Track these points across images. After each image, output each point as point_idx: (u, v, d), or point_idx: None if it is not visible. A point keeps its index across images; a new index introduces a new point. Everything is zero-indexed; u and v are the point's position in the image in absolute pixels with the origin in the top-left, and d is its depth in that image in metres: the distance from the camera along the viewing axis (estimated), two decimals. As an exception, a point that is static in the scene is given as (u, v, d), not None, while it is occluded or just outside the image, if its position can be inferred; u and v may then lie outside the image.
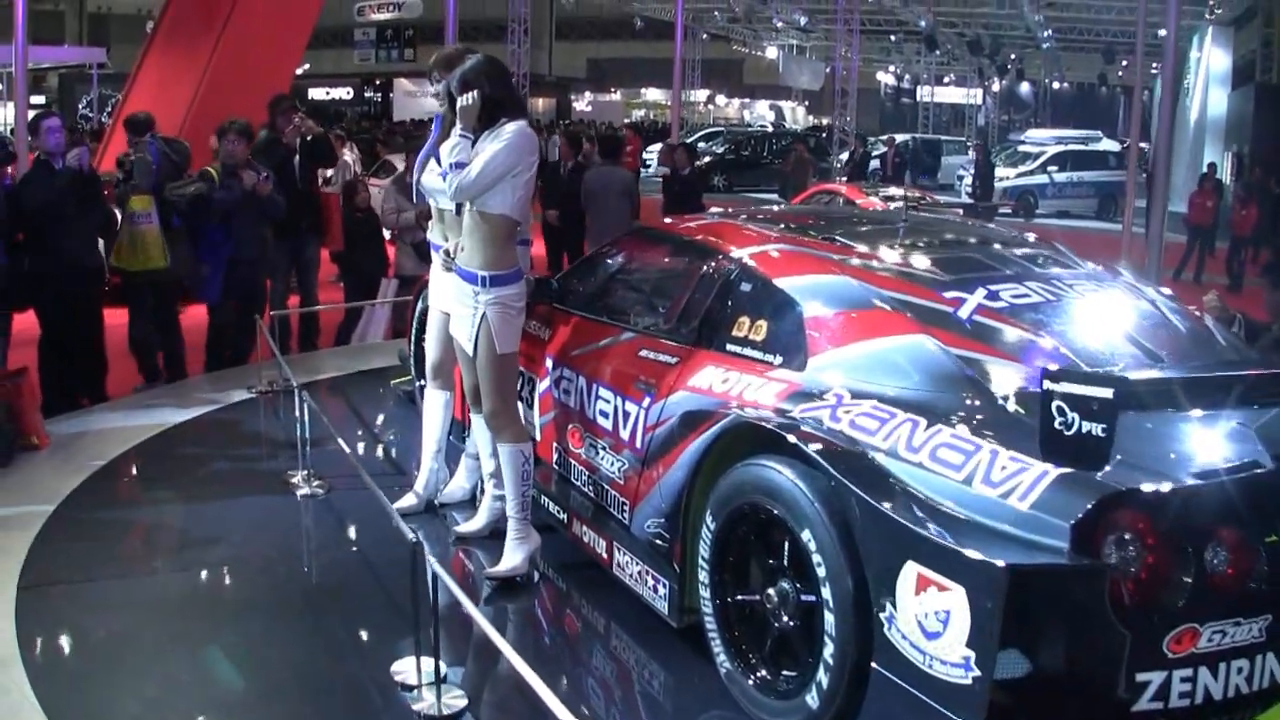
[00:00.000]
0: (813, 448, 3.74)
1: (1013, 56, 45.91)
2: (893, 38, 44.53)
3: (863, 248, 4.86)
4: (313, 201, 10.00)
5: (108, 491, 6.38)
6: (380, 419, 7.77)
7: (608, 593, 4.88)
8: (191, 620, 4.82)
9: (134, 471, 6.78)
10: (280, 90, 18.17)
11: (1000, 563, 3.19)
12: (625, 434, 4.87)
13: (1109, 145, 33.56)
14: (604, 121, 43.92)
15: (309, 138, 9.95)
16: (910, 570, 3.39)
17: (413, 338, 7.36)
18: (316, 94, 52.63)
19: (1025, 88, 56.65)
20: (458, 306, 5.19)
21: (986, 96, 55.01)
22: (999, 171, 29.75)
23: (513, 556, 5.18)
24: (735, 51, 50.18)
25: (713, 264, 4.96)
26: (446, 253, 5.30)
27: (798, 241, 4.93)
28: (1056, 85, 54.96)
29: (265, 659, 4.50)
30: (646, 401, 4.74)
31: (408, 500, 5.88)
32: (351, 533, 5.76)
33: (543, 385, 5.63)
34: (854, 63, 32.78)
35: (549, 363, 5.58)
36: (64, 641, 4.65)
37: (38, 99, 36.39)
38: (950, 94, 55.63)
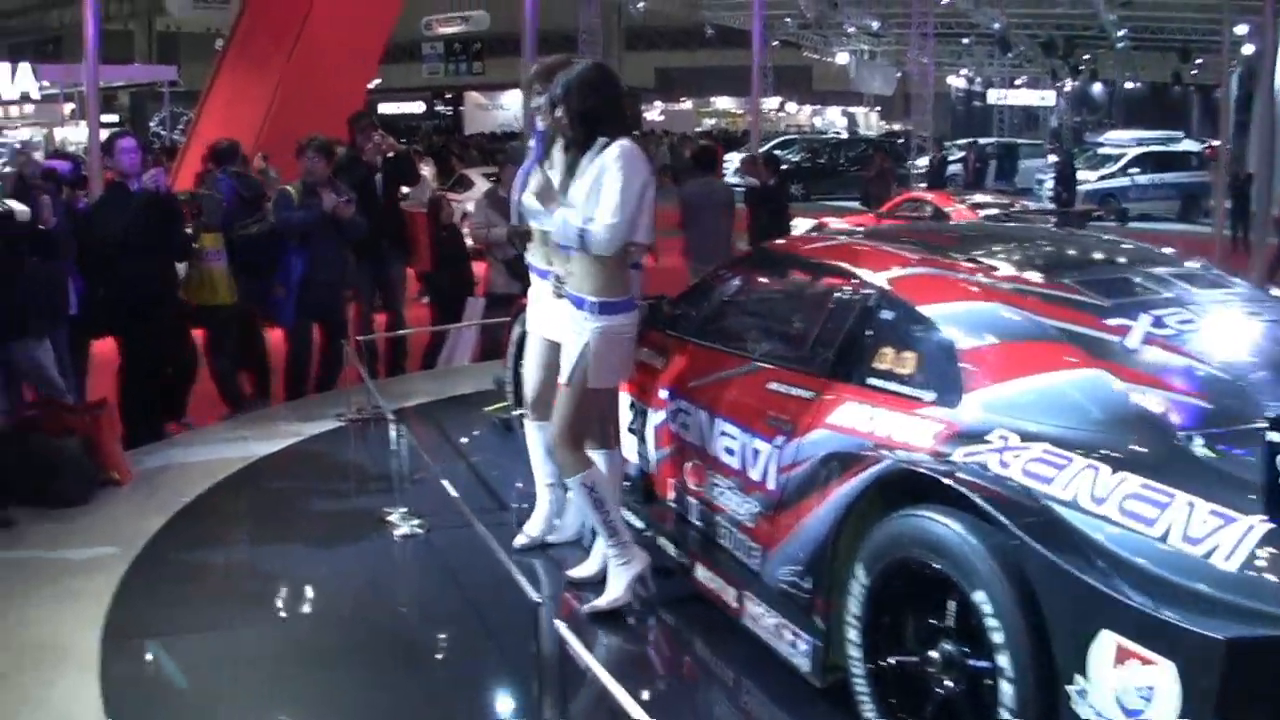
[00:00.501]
0: (984, 499, 3.35)
1: (1086, 57, 44.96)
2: (965, 40, 43.77)
3: (1008, 269, 4.45)
4: (396, 220, 9.74)
5: (193, 532, 6.08)
6: (477, 449, 7.41)
7: (734, 641, 4.49)
8: (287, 677, 4.50)
9: (220, 509, 6.50)
10: (354, 106, 18.11)
11: (1218, 635, 2.80)
12: (755, 474, 4.49)
13: (1189, 145, 32.73)
14: (675, 131, 43.57)
15: (390, 155, 9.69)
16: (1107, 640, 3.01)
17: (511, 364, 7.02)
18: (387, 109, 52.73)
19: (1098, 88, 55.60)
20: (565, 333, 4.87)
21: (1059, 98, 54.09)
22: (1080, 175, 29.05)
23: (614, 586, 4.87)
24: (805, 58, 49.61)
25: (848, 289, 4.58)
26: (557, 278, 4.96)
27: (939, 263, 4.52)
28: (1129, 85, 53.86)
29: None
30: (780, 440, 4.36)
31: (520, 540, 5.54)
32: (458, 578, 5.38)
33: (658, 418, 5.28)
34: (929, 67, 32.19)
35: (664, 394, 5.23)
36: (151, 699, 4.34)
37: (110, 118, 36.63)
38: (1023, 96, 54.67)
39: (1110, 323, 3.98)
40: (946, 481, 3.47)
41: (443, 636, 4.91)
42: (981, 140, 35.24)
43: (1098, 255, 5.05)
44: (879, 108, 60.64)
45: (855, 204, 26.38)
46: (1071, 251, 5.07)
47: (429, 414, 8.23)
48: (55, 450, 6.41)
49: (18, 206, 6.46)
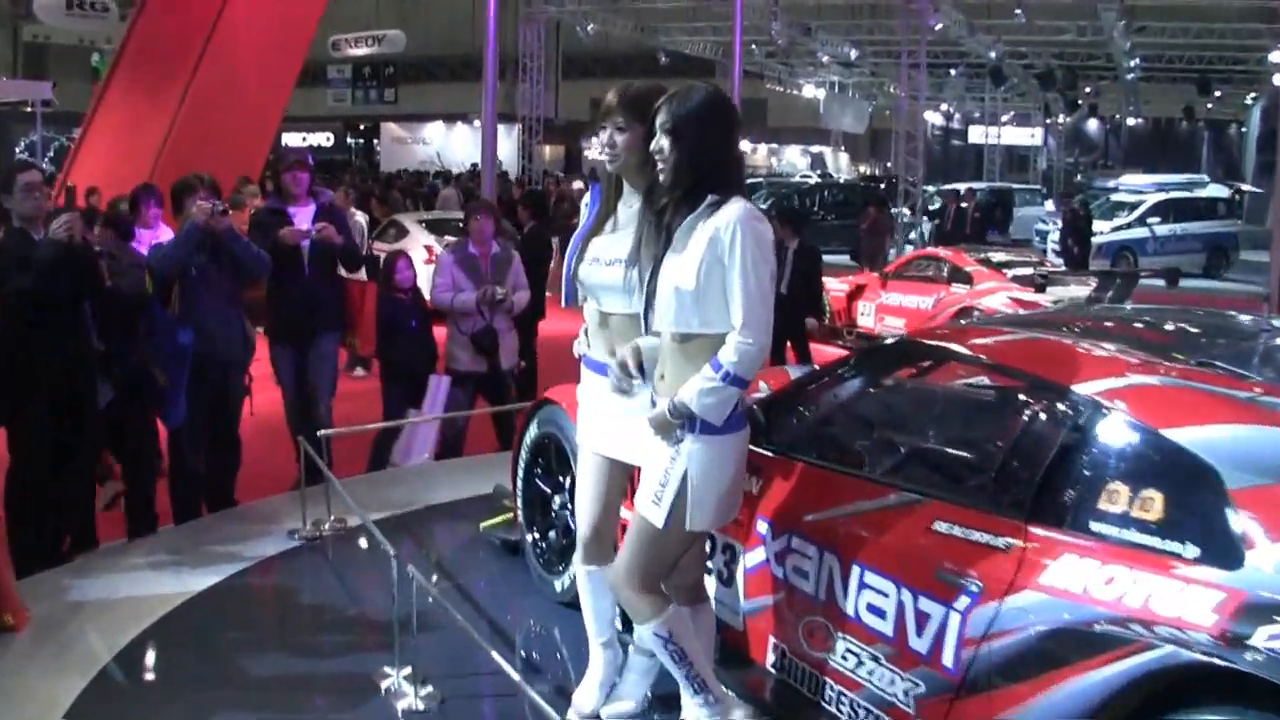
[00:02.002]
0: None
1: (1087, 90, 45.15)
2: (953, 72, 43.82)
3: (1259, 375, 3.83)
4: (330, 290, 8.92)
5: (122, 704, 5.25)
6: (478, 580, 6.65)
7: None
8: None
9: (153, 674, 5.70)
10: (266, 136, 17.48)
11: None
12: (921, 644, 3.84)
13: (1215, 190, 32.68)
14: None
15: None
16: None
17: (522, 473, 6.36)
18: (290, 139, 51.96)
19: (1093, 125, 56.07)
20: (647, 455, 4.24)
21: (1049, 136, 54.45)
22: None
23: None
24: (760, 90, 49.53)
25: (1044, 402, 3.96)
26: (621, 369, 4.34)
27: (1167, 369, 3.88)
28: (1131, 121, 54.33)
29: None
30: (964, 602, 3.70)
31: (572, 717, 4.82)
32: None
33: (753, 557, 4.63)
34: (921, 101, 31.90)
35: (764, 527, 4.58)
36: None
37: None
38: (1012, 135, 55.00)
39: None
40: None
41: None
42: (974, 185, 34.99)
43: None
44: (844, 148, 60.82)
45: (844, 259, 26.02)
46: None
47: (405, 530, 7.43)
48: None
49: None
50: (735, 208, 4.01)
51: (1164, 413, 3.64)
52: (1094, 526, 3.57)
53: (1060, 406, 3.86)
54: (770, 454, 4.71)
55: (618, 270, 4.44)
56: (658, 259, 4.16)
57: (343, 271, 9.27)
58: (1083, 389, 3.84)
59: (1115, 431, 3.68)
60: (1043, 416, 3.93)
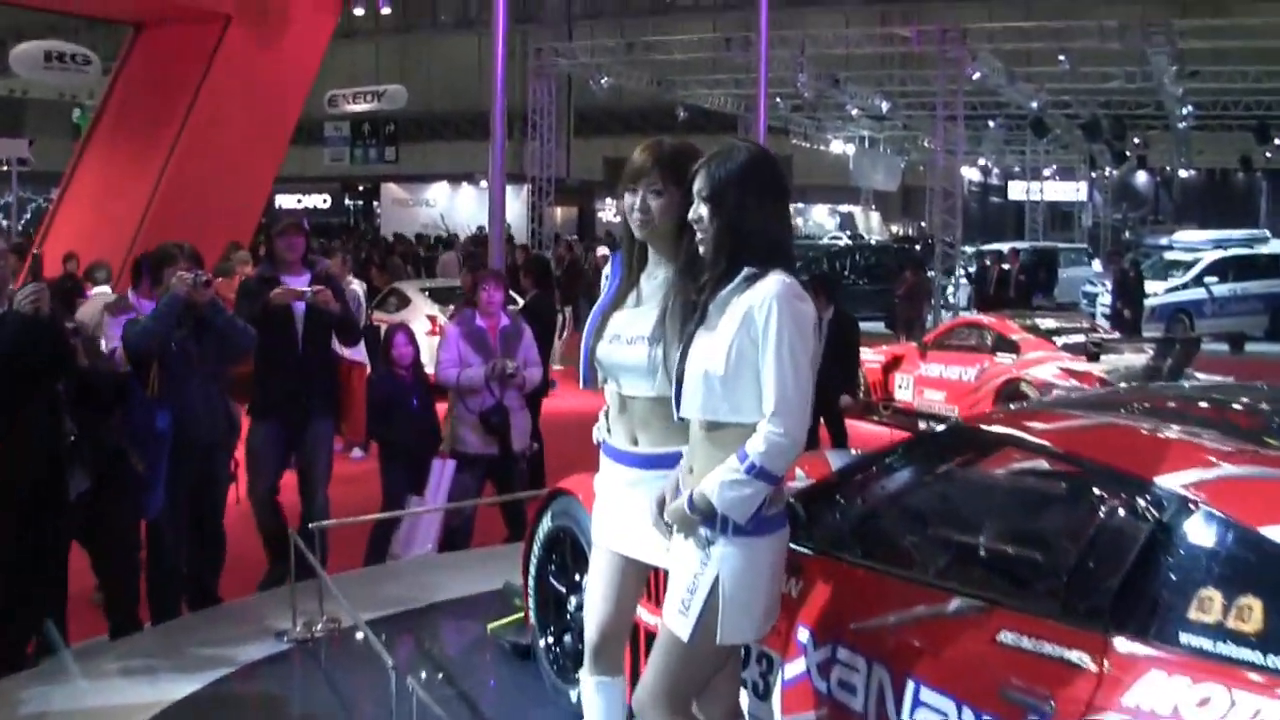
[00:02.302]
0: None
1: (1136, 140, 45.10)
2: (991, 124, 43.83)
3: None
4: (324, 369, 8.78)
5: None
6: (484, 689, 6.47)
7: None
8: None
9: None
10: (259, 198, 17.47)
11: None
12: (986, 773, 3.60)
13: (1277, 247, 32.49)
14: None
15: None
16: None
17: (534, 570, 6.22)
18: (285, 201, 52.19)
19: (1142, 178, 56.02)
20: (672, 556, 4.09)
21: (1094, 190, 54.41)
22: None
23: None
24: (786, 147, 49.68)
25: (1120, 496, 3.77)
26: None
27: (1262, 459, 3.70)
28: (1183, 173, 54.28)
29: None
30: (1034, 724, 3.47)
31: None
32: None
33: (793, 669, 4.44)
34: (958, 156, 31.81)
35: (804, 635, 4.39)
36: None
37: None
38: (1058, 190, 55.00)
39: None
40: None
41: None
42: (1017, 244, 34.88)
43: None
44: (874, 206, 60.88)
45: (878, 327, 25.86)
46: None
47: (405, 631, 7.30)
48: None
49: None
50: (772, 282, 3.86)
51: (1262, 508, 3.47)
52: (1184, 639, 3.38)
53: (1142, 502, 3.68)
54: (810, 553, 4.54)
55: (640, 349, 4.27)
56: (689, 337, 4.00)
57: (340, 349, 9.13)
58: (1166, 481, 3.65)
59: (1206, 530, 3.49)
60: (1122, 513, 3.75)
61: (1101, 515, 3.80)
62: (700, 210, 3.95)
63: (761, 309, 3.82)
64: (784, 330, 3.80)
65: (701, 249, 4.00)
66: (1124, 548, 3.64)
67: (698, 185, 3.96)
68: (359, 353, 12.32)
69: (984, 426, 4.66)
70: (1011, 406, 6.26)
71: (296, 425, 8.57)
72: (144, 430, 7.42)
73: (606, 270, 4.64)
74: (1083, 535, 3.81)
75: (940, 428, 5.72)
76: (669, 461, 4.18)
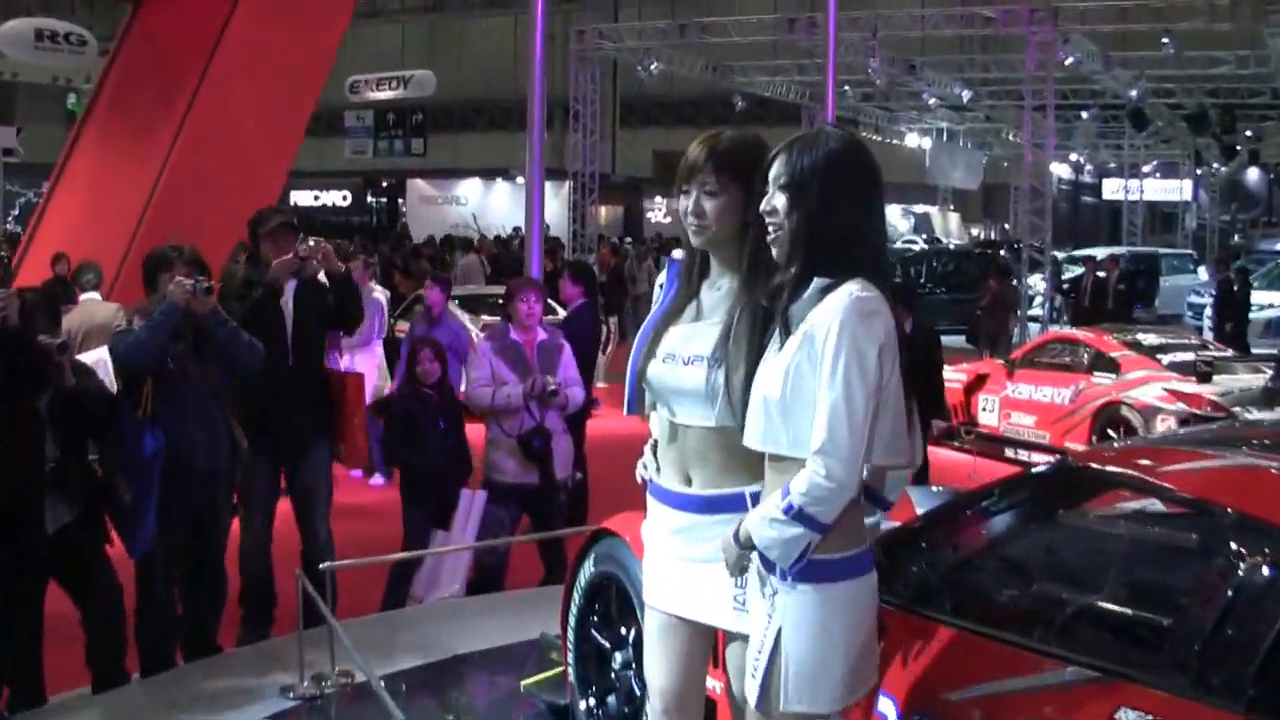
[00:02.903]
0: None
1: (1247, 133, 44.82)
2: (1085, 115, 43.64)
3: None
4: (315, 381, 8.68)
5: None
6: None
7: None
8: None
9: None
10: (270, 193, 17.45)
11: None
12: None
13: None
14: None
15: (320, 278, 8.62)
16: None
17: (574, 620, 6.12)
18: (301, 198, 52.62)
19: (1254, 175, 55.65)
20: (738, 614, 4.03)
21: (1200, 189, 54.18)
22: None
23: None
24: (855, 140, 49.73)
25: (1264, 551, 3.70)
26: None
27: None
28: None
29: None
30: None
31: None
32: None
33: (872, 742, 4.34)
34: (1048, 151, 31.64)
35: (887, 705, 4.34)
36: None
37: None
38: (1159, 189, 54.82)
39: None
40: None
41: None
42: (1114, 250, 34.77)
43: None
44: (953, 206, 60.89)
45: (958, 341, 25.78)
46: None
47: (427, 687, 7.28)
48: None
49: None
50: (841, 295, 3.75)
51: None
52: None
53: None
54: (892, 607, 4.46)
55: (699, 371, 4.13)
56: (758, 356, 3.91)
57: (336, 360, 9.00)
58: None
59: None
60: (1265, 571, 3.66)
61: (1241, 573, 3.72)
62: (776, 201, 3.84)
63: (823, 326, 3.72)
64: (841, 354, 3.68)
65: (774, 250, 3.86)
66: (1269, 612, 3.56)
67: (775, 171, 3.86)
68: (358, 361, 12.23)
69: (1095, 465, 4.55)
70: (1127, 441, 6.11)
71: (289, 449, 8.48)
72: (134, 456, 7.35)
73: (661, 278, 4.51)
74: (1218, 596, 3.73)
75: (1042, 466, 5.61)
76: (729, 505, 4.05)
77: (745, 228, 4.02)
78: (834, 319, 3.71)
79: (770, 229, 3.87)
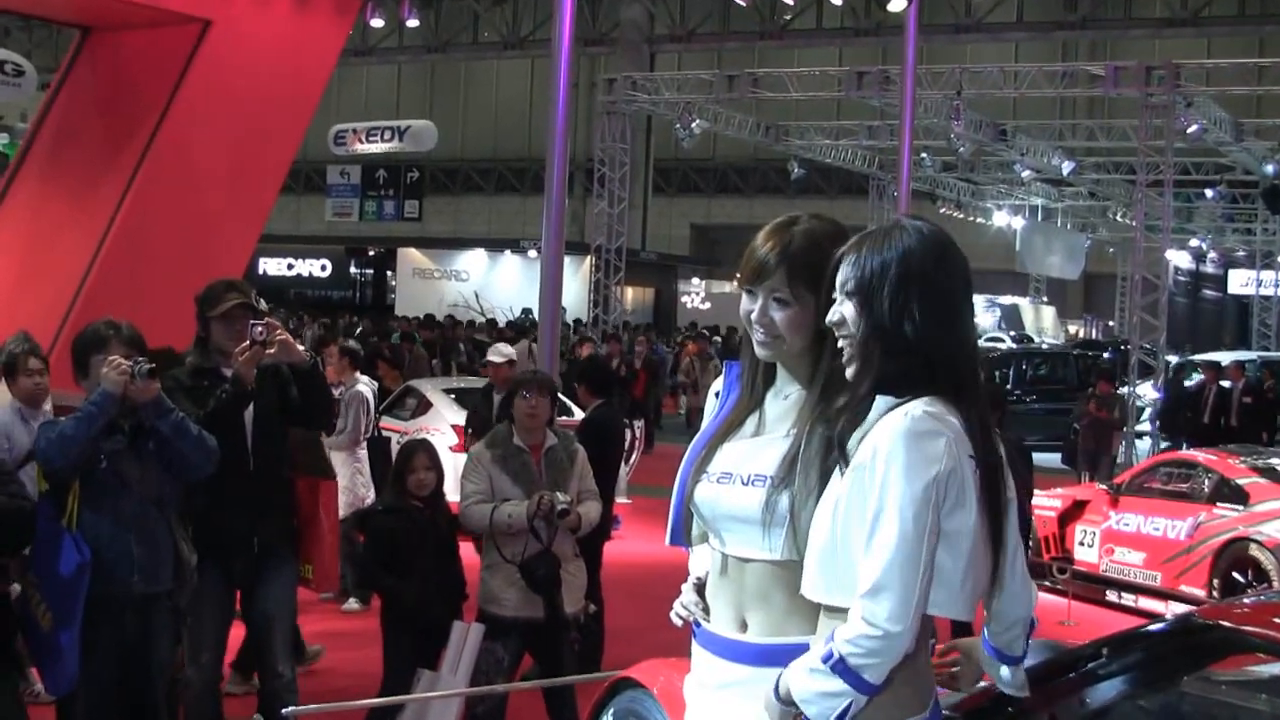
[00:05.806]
0: None
1: None
2: (1209, 193, 43.72)
3: None
4: (280, 482, 8.69)
5: None
6: None
7: None
8: None
9: None
10: (238, 258, 17.48)
11: None
12: None
13: None
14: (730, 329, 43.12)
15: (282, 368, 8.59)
16: None
17: None
18: (271, 266, 52.89)
19: None
20: None
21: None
22: None
23: None
24: (932, 218, 49.99)
25: None
26: None
27: None
28: None
29: None
30: None
31: None
32: None
33: None
34: (1164, 236, 31.61)
35: None
36: None
37: None
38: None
39: None
40: None
41: None
42: (1241, 355, 34.75)
43: None
44: (1047, 299, 60.93)
45: (1053, 459, 25.73)
46: None
47: None
48: None
49: None
50: (898, 415, 3.76)
51: None
52: None
53: None
54: None
55: (758, 494, 4.12)
56: (803, 492, 3.95)
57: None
58: None
59: None
60: None
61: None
62: (844, 309, 3.83)
63: (875, 454, 3.73)
64: (892, 482, 3.69)
65: (847, 367, 3.88)
66: None
67: (841, 277, 3.87)
68: (335, 463, 12.24)
69: (1228, 622, 4.50)
70: (1262, 592, 6.07)
71: (246, 568, 8.45)
72: (52, 574, 7.34)
73: (717, 385, 4.51)
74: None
75: (1160, 623, 5.57)
76: (793, 657, 3.98)
77: (823, 337, 4.02)
78: (888, 441, 3.72)
79: (840, 342, 3.87)
